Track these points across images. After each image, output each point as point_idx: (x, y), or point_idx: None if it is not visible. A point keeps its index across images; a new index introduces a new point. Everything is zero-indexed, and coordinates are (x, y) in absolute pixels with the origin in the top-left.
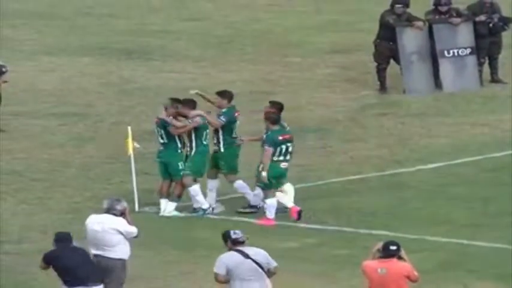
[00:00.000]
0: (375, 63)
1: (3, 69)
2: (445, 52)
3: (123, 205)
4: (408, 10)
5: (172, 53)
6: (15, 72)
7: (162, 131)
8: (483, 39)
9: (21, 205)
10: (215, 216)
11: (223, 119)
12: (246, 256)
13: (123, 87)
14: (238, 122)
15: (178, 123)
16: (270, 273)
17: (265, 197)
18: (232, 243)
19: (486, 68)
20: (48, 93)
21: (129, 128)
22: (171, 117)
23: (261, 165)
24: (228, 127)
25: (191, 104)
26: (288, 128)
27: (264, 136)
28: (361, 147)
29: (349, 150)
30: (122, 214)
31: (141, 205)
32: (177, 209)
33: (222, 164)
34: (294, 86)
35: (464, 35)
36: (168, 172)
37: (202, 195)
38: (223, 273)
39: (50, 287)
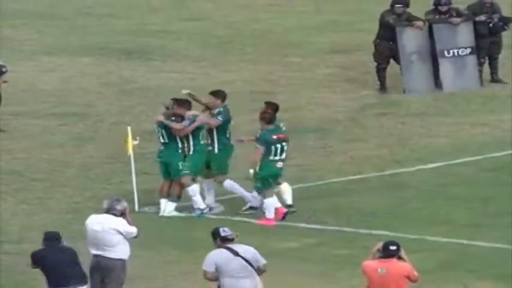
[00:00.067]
0: (375, 63)
1: (3, 69)
2: (445, 52)
3: (123, 205)
4: (408, 10)
5: (172, 53)
6: (15, 72)
7: (163, 131)
8: (483, 39)
9: (21, 205)
10: (215, 216)
11: (220, 119)
12: (235, 253)
13: (123, 87)
14: (232, 122)
15: (176, 125)
16: (259, 271)
17: (264, 196)
18: (221, 241)
19: (486, 68)
20: (48, 93)
21: (129, 128)
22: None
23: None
24: (223, 127)
25: (187, 104)
26: (283, 128)
27: (258, 135)
28: (361, 147)
29: (349, 150)
30: (122, 214)
31: (141, 205)
32: (176, 209)
33: (213, 165)
34: (294, 86)
35: (464, 34)
36: (169, 172)
37: (201, 196)
38: (212, 270)
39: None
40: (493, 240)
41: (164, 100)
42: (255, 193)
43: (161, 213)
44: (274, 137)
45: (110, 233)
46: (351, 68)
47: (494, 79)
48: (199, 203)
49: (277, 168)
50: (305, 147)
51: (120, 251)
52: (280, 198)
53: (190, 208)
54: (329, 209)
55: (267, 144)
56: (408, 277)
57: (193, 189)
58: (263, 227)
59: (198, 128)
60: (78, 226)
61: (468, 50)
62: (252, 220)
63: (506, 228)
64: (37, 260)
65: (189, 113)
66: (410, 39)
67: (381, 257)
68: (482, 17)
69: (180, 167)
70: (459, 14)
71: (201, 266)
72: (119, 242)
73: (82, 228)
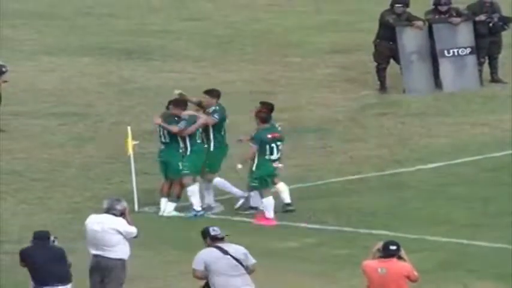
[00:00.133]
0: (375, 63)
1: (3, 69)
2: (445, 52)
3: (123, 205)
4: (408, 10)
5: (172, 53)
6: (15, 72)
7: (164, 131)
8: (483, 39)
9: (21, 205)
10: (215, 216)
11: (217, 117)
12: (225, 252)
13: (123, 87)
14: (228, 121)
15: (174, 128)
16: (248, 270)
17: (262, 196)
18: (211, 240)
19: (486, 68)
20: (48, 93)
21: (128, 128)
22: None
23: (251, 164)
24: (218, 125)
25: (182, 104)
26: (279, 128)
27: (253, 134)
28: (361, 147)
29: (349, 150)
30: (122, 214)
31: (141, 205)
32: (176, 209)
33: (207, 163)
34: (294, 86)
35: (464, 34)
36: (170, 172)
37: (199, 197)
38: (201, 269)
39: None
40: (493, 240)
41: (163, 100)
42: (253, 193)
43: (161, 213)
44: (269, 136)
45: (109, 233)
46: (351, 68)
47: (494, 79)
48: (196, 204)
49: (273, 167)
50: (305, 147)
51: (120, 251)
52: (278, 198)
53: (190, 208)
54: (329, 208)
55: (262, 143)
56: (408, 277)
57: (193, 189)
58: (263, 226)
59: None
60: (78, 226)
61: (468, 50)
62: (252, 220)
63: (506, 228)
64: (24, 257)
65: (185, 113)
66: (410, 39)
67: (381, 257)
68: (482, 17)
69: (180, 167)
70: (459, 14)
71: None
72: (118, 242)
73: (82, 228)
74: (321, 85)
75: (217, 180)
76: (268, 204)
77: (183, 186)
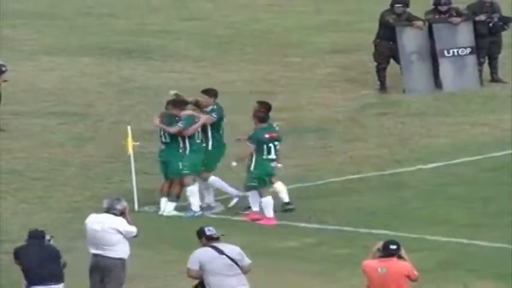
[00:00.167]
0: (375, 63)
1: (3, 69)
2: (445, 52)
3: (123, 205)
4: (408, 10)
5: (172, 52)
6: (15, 72)
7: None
8: (483, 39)
9: (21, 204)
10: (215, 216)
11: (215, 116)
12: (221, 252)
13: (123, 86)
14: (225, 120)
15: (171, 130)
16: (243, 270)
17: (261, 196)
18: (207, 240)
19: (486, 68)
20: (48, 92)
21: (128, 127)
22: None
23: (249, 163)
24: (216, 124)
25: (181, 104)
26: (276, 128)
27: (250, 134)
28: (361, 147)
29: (349, 150)
30: (122, 214)
31: (141, 204)
32: (176, 208)
33: (204, 162)
34: (294, 86)
35: (464, 34)
36: (170, 172)
37: (198, 198)
38: (196, 268)
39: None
40: (493, 239)
41: (163, 100)
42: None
43: (160, 212)
44: (267, 135)
45: (109, 233)
46: (351, 68)
47: (494, 79)
48: (194, 204)
49: (271, 167)
50: (305, 147)
51: (120, 250)
52: (277, 197)
53: (189, 208)
54: (329, 208)
55: (259, 142)
56: (408, 276)
57: (192, 189)
58: (263, 226)
59: None
60: (78, 225)
61: (468, 50)
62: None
63: (506, 227)
64: (17, 256)
65: (183, 113)
66: (410, 39)
67: (381, 257)
68: (482, 17)
69: (180, 167)
70: (459, 14)
71: None
72: (118, 242)
73: (82, 228)
74: (321, 85)
75: (212, 179)
76: (267, 203)
77: (182, 186)
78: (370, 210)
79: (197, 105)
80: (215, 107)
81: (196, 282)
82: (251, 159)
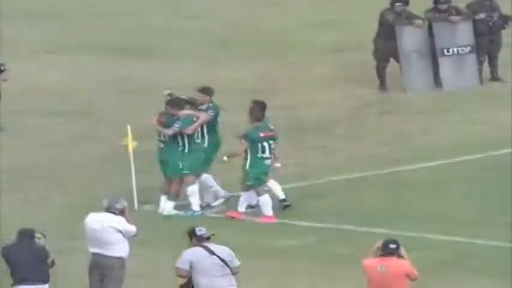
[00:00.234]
0: (375, 62)
1: (2, 68)
2: (445, 50)
3: (122, 204)
4: (408, 8)
5: (172, 51)
6: (15, 71)
7: None
8: (483, 38)
9: (21, 203)
10: (215, 215)
11: (212, 113)
12: (211, 252)
13: (123, 85)
14: (219, 118)
15: (168, 131)
16: (233, 271)
17: (258, 194)
18: (197, 240)
19: (486, 67)
20: (48, 91)
21: (128, 126)
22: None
23: (244, 162)
24: (213, 122)
25: (179, 104)
26: (272, 127)
27: (245, 132)
28: (361, 145)
29: (349, 148)
30: (121, 213)
31: (141, 203)
32: (176, 207)
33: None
34: (294, 84)
35: (464, 33)
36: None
37: (198, 198)
38: (187, 268)
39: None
40: (493, 238)
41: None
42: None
43: (160, 211)
44: (261, 134)
45: (109, 232)
46: (351, 66)
47: (494, 77)
48: (194, 204)
49: (266, 165)
50: (305, 146)
51: (119, 249)
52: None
53: (188, 207)
54: (329, 207)
55: (254, 141)
56: (408, 275)
57: (193, 189)
58: (263, 224)
59: None
60: (78, 224)
61: (468, 49)
62: (253, 218)
63: (506, 226)
64: (4, 253)
65: (181, 113)
66: (410, 38)
67: (380, 255)
68: (482, 16)
69: (180, 166)
70: (459, 13)
71: None
72: (118, 241)
73: (81, 227)
74: (321, 84)
75: (204, 176)
76: (265, 202)
77: (182, 185)
78: (370, 209)
79: (192, 103)
80: (211, 104)
81: (182, 281)
82: (246, 158)
